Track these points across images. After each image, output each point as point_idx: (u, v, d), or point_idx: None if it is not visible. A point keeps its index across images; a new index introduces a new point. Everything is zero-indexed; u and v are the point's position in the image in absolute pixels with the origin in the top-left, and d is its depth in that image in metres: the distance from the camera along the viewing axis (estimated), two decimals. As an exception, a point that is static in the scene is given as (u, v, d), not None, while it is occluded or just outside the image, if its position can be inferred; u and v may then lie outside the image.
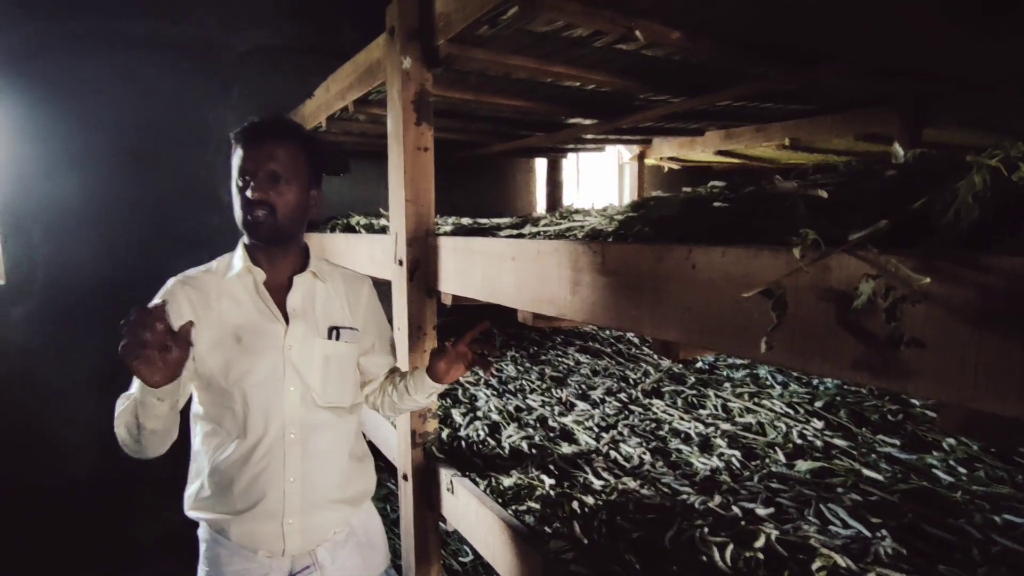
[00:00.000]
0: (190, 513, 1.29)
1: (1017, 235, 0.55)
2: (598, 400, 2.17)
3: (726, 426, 1.82)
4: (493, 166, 4.25)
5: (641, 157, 4.63)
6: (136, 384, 1.06)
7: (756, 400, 2.04)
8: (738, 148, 3.72)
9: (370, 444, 1.55)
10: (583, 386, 2.35)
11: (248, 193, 1.19)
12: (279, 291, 1.30)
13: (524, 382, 2.38)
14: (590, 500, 1.33)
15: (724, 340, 0.77)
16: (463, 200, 4.09)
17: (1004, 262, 0.51)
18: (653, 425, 1.88)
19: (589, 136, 2.80)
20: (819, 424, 1.78)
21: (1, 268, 2.79)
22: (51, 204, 2.85)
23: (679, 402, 2.11)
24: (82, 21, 2.83)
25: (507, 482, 1.48)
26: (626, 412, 2.02)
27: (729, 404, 2.03)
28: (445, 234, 1.56)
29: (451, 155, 3.52)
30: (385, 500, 2.85)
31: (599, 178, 5.27)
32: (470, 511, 1.47)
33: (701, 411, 2.01)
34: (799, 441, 1.67)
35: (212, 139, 3.20)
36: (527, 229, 1.38)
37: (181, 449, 1.26)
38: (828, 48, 1.54)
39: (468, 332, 1.32)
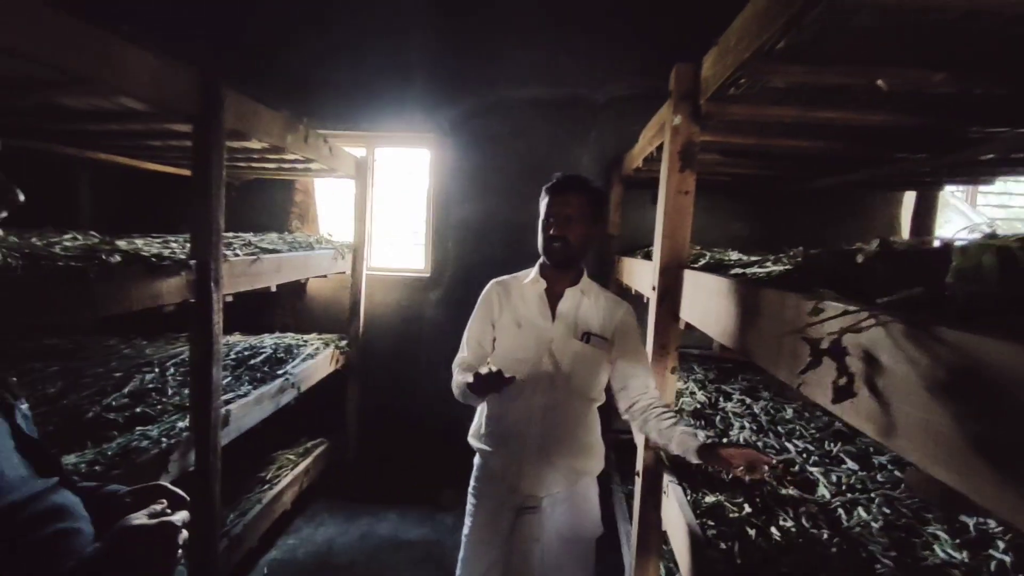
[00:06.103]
0: (470, 440, 1.86)
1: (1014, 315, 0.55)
2: (876, 465, 1.94)
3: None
4: (847, 198, 3.89)
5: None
6: (469, 376, 1.57)
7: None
8: None
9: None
10: (871, 447, 2.11)
11: (551, 230, 1.70)
12: (555, 298, 1.78)
13: (798, 427, 2.28)
14: (775, 532, 1.36)
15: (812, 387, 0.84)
16: (815, 232, 3.79)
17: (948, 334, 0.54)
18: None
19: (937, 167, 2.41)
20: None
21: (429, 264, 4.17)
22: (460, 223, 4.10)
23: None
24: (493, 93, 3.97)
25: (709, 499, 1.60)
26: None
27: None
28: (690, 268, 1.76)
29: (770, 188, 3.46)
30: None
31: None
32: (673, 513, 1.64)
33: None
34: None
35: (568, 175, 4.00)
36: (750, 270, 1.49)
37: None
38: None
39: (743, 457, 1.31)
